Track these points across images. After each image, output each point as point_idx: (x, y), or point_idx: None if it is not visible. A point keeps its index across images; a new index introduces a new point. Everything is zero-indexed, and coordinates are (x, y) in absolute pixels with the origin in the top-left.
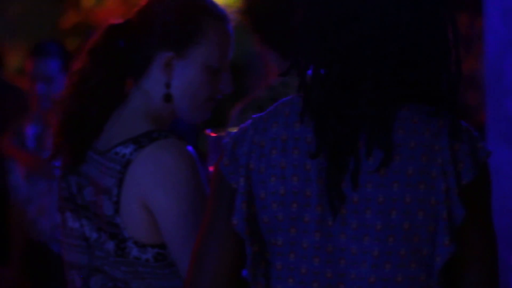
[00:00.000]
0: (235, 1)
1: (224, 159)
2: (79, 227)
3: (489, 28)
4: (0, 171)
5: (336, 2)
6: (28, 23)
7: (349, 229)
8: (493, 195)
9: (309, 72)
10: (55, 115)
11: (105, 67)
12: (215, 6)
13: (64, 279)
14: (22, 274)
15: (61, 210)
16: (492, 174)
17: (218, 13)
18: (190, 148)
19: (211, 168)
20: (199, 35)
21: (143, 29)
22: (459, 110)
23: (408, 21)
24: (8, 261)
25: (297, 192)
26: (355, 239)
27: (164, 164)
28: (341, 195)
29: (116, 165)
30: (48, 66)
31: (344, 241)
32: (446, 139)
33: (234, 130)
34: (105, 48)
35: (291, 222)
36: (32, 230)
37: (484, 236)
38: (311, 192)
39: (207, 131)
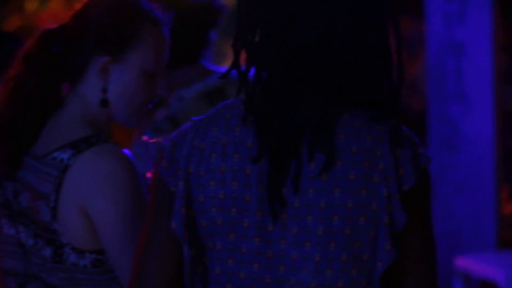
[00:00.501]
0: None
1: (163, 162)
2: (14, 234)
3: (431, 32)
4: None
5: (280, 5)
6: None
7: (289, 234)
8: (435, 200)
9: (251, 75)
10: None
11: (39, 73)
12: (151, 9)
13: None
14: None
15: None
16: (434, 179)
17: (154, 17)
18: (128, 153)
19: (149, 175)
20: (136, 39)
21: (79, 33)
22: (401, 115)
23: (351, 25)
24: None
25: (236, 196)
26: (296, 245)
27: (102, 169)
28: (282, 200)
29: (54, 170)
30: None
31: (284, 247)
32: (388, 144)
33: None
34: (39, 53)
35: (230, 227)
36: None
37: (425, 241)
38: (251, 197)
39: (145, 137)
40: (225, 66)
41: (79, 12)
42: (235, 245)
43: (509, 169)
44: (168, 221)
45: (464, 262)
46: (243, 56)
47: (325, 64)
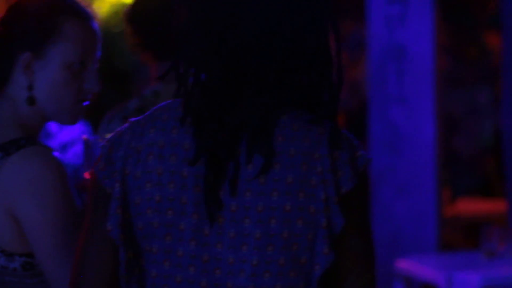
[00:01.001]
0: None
1: (100, 163)
2: None
3: (372, 35)
4: None
5: (219, 6)
6: None
7: (226, 238)
8: (376, 203)
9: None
10: None
11: None
12: (74, 4)
13: None
14: None
15: None
16: (375, 181)
17: (77, 11)
18: (57, 155)
19: (86, 175)
20: (56, 34)
21: (5, 33)
22: (340, 118)
23: (291, 27)
24: None
25: (173, 199)
26: (233, 248)
27: (31, 172)
28: (218, 203)
29: None
30: None
31: (221, 250)
32: (326, 147)
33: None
34: None
35: (167, 229)
36: None
37: (363, 244)
38: (187, 200)
39: (85, 136)
40: None
41: (5, 12)
42: (171, 248)
43: (450, 172)
44: (104, 222)
45: (405, 265)
46: None
47: (264, 66)
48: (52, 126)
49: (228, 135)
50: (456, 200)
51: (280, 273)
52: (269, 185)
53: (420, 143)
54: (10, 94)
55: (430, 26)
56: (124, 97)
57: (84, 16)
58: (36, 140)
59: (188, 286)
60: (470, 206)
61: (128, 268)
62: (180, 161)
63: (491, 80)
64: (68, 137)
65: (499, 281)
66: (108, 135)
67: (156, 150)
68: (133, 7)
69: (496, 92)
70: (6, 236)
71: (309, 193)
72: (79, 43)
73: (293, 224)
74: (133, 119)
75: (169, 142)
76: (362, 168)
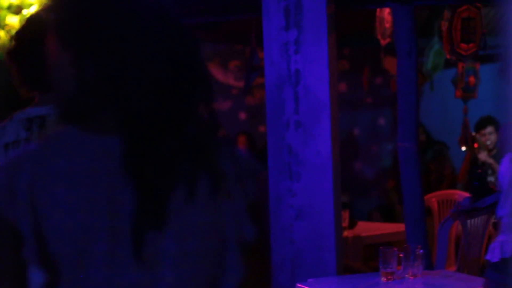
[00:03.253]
0: None
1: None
2: None
3: (269, 61)
4: None
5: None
6: None
7: (141, 260)
8: (276, 226)
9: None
10: None
11: None
12: None
13: None
14: None
15: None
16: (274, 205)
17: None
18: None
19: None
20: None
21: None
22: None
23: (169, 78)
24: None
25: (84, 225)
26: (148, 270)
27: None
28: (141, 235)
29: None
30: None
31: (136, 273)
32: (230, 162)
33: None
34: None
35: (79, 256)
36: None
37: (264, 255)
38: (100, 226)
39: None
40: None
41: None
42: (85, 274)
43: (351, 195)
44: (14, 251)
45: (305, 287)
46: None
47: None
48: None
49: (152, 161)
50: (356, 223)
51: None
52: (189, 205)
53: (318, 166)
54: None
55: (326, 51)
56: None
57: None
58: None
59: None
60: (370, 229)
61: None
62: (90, 187)
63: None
64: None
65: None
66: None
67: (64, 177)
68: (15, 45)
69: (395, 115)
70: None
71: (219, 207)
72: None
73: (207, 240)
74: (31, 146)
75: (77, 169)
76: (261, 180)
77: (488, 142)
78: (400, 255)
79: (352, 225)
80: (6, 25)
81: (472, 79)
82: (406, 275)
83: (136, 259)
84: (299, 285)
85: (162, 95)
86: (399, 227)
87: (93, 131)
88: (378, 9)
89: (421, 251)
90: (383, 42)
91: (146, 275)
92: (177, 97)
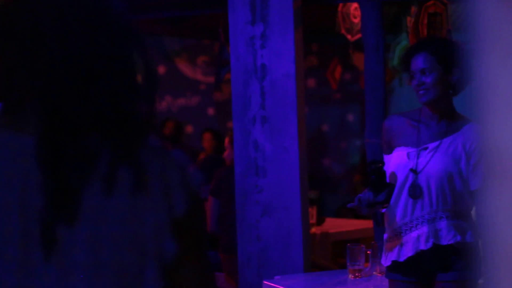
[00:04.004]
0: None
1: None
2: None
3: (235, 55)
4: None
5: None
6: None
7: (53, 268)
8: (242, 223)
9: None
10: None
11: None
12: None
13: None
14: None
15: None
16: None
17: None
18: None
19: None
20: None
21: None
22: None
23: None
24: None
25: None
26: (60, 279)
27: None
28: (54, 235)
29: None
30: None
31: (48, 281)
32: (158, 170)
33: None
34: None
35: None
36: None
37: (198, 271)
38: (12, 228)
39: None
40: None
41: None
42: None
43: (319, 191)
44: None
45: (272, 285)
46: None
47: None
48: None
49: (70, 163)
50: (324, 220)
51: None
52: (101, 213)
53: (284, 162)
54: None
55: (292, 46)
56: None
57: None
58: None
59: None
60: (338, 225)
61: None
62: (4, 188)
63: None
64: None
65: None
66: None
67: None
68: None
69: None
70: None
71: (139, 218)
72: None
73: (123, 251)
74: None
75: None
76: (194, 189)
77: None
78: (368, 252)
79: (320, 222)
80: None
81: None
82: (374, 272)
83: (47, 265)
84: (266, 282)
85: (83, 88)
86: (368, 223)
87: (13, 129)
88: (341, 4)
89: None
90: (351, 38)
91: (58, 285)
92: (100, 91)
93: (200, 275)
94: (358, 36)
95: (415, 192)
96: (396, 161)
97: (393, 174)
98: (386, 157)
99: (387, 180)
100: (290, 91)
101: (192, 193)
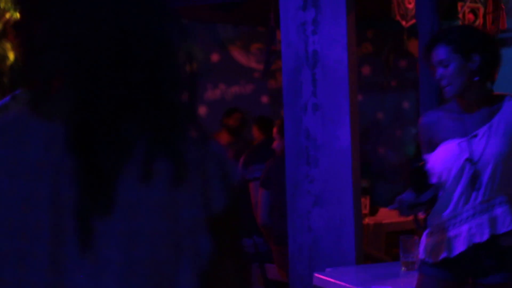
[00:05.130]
0: None
1: None
2: None
3: (286, 42)
4: None
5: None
6: None
7: (85, 265)
8: (293, 213)
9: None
10: None
11: None
12: None
13: None
14: None
15: None
16: (292, 191)
17: None
18: None
19: None
20: None
21: None
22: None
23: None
24: None
25: (25, 222)
26: (93, 277)
27: None
28: (87, 226)
29: None
30: None
31: (80, 278)
32: (197, 162)
33: None
34: None
35: (19, 256)
36: None
37: (234, 269)
38: (42, 223)
39: None
40: None
41: None
42: (24, 276)
43: (372, 181)
44: None
45: (323, 278)
46: None
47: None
48: None
49: (108, 154)
50: (377, 210)
51: None
52: (137, 208)
53: (336, 151)
54: None
55: (345, 32)
56: None
57: None
58: None
59: None
60: (392, 216)
61: None
62: (34, 180)
63: (416, 87)
64: None
65: None
66: None
67: (7, 167)
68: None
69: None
70: None
71: (175, 213)
72: None
73: (158, 249)
74: None
75: (22, 158)
76: (233, 185)
77: None
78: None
79: (373, 212)
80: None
81: None
82: None
83: (79, 262)
84: (317, 275)
85: (119, 72)
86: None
87: (44, 116)
88: None
89: None
90: (405, 24)
91: (90, 283)
92: (138, 76)
93: (236, 275)
94: (413, 21)
95: (476, 182)
96: (446, 154)
97: (445, 169)
98: (428, 156)
99: (433, 180)
100: (342, 78)
101: (232, 188)
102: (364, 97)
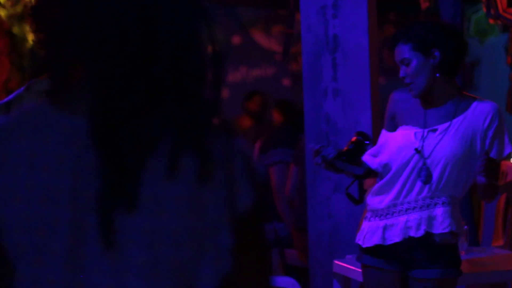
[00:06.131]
0: None
1: None
2: None
3: (306, 26)
4: None
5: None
6: None
7: (107, 263)
8: (313, 200)
9: None
10: None
11: None
12: None
13: None
14: None
15: None
16: (312, 177)
17: None
18: None
19: None
20: None
21: None
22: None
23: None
24: None
25: (43, 217)
26: (113, 276)
27: None
28: (109, 222)
29: None
30: None
31: (101, 278)
32: (222, 158)
33: None
34: None
35: (36, 252)
36: None
37: (257, 264)
38: (61, 219)
39: None
40: None
41: None
42: (41, 273)
43: None
44: None
45: (343, 265)
46: None
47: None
48: None
49: (131, 147)
50: None
51: None
52: (158, 205)
53: None
54: None
55: (365, 15)
56: None
57: None
58: None
59: None
60: None
61: None
62: (54, 174)
63: None
64: None
65: None
66: None
67: (26, 160)
68: (36, 4)
69: None
70: None
71: (199, 211)
72: None
73: (181, 247)
74: None
75: (41, 152)
76: (259, 180)
77: None
78: None
79: None
80: None
81: None
82: None
83: (101, 260)
84: (337, 262)
85: (142, 64)
86: None
87: (62, 110)
88: None
89: (466, 227)
90: (423, 6)
91: (110, 282)
92: (162, 68)
93: (259, 277)
94: (428, 4)
95: (426, 176)
96: (401, 140)
97: (394, 154)
98: (386, 134)
99: (386, 160)
100: (363, 62)
101: (258, 186)
102: (387, 81)
